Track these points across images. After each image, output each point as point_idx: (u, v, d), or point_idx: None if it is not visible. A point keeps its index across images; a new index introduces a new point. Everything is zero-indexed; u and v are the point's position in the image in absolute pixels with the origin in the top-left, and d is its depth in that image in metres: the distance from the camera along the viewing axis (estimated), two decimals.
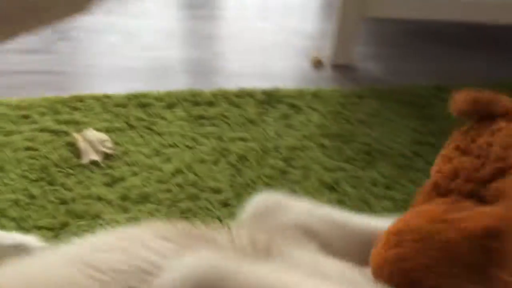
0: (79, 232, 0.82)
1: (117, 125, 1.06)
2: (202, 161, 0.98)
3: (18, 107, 1.08)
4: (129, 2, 1.62)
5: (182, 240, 0.47)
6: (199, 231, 0.50)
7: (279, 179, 0.95)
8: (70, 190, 0.89)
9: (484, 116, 0.59)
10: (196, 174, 0.95)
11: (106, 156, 0.98)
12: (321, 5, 1.71)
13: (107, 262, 0.45)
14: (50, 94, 1.13)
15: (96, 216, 0.85)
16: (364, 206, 0.89)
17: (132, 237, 0.48)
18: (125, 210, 0.87)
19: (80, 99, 1.12)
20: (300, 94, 1.19)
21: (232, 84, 1.22)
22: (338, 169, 0.98)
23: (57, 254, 0.49)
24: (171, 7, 1.63)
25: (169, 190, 0.91)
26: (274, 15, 1.61)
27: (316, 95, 1.19)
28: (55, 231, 0.81)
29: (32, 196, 0.87)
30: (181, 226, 0.50)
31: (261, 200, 0.52)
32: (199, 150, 1.01)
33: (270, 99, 1.16)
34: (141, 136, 1.04)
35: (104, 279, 0.44)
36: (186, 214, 0.86)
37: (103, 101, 1.12)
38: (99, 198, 0.88)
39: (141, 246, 0.46)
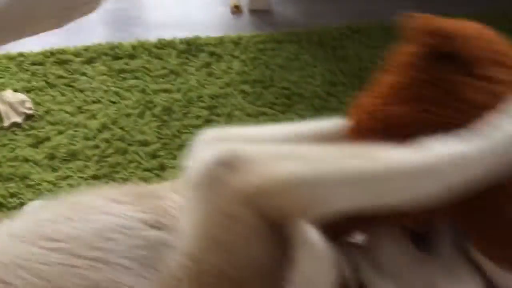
0: (8, 194, 0.83)
1: (35, 84, 1.04)
2: (128, 115, 1.00)
3: None
4: None
5: (134, 201, 0.45)
6: (147, 190, 0.48)
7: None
8: None
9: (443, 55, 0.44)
10: (122, 129, 0.96)
11: (28, 117, 0.97)
12: None
13: (68, 233, 0.42)
14: None
15: (25, 178, 0.86)
16: None
17: (85, 205, 0.45)
18: (54, 169, 0.88)
19: None
20: (220, 42, 1.21)
21: (151, 35, 1.22)
22: (259, 114, 1.03)
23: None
24: None
25: (96, 146, 0.92)
26: None
27: (235, 42, 1.22)
28: None
29: None
30: (128, 187, 0.48)
31: (202, 143, 0.49)
32: (124, 104, 1.02)
33: (190, 48, 1.18)
34: (63, 94, 1.03)
35: (68, 248, 0.41)
36: (115, 168, 0.89)
37: (18, 60, 1.09)
38: (26, 160, 0.89)
39: (100, 212, 0.44)
